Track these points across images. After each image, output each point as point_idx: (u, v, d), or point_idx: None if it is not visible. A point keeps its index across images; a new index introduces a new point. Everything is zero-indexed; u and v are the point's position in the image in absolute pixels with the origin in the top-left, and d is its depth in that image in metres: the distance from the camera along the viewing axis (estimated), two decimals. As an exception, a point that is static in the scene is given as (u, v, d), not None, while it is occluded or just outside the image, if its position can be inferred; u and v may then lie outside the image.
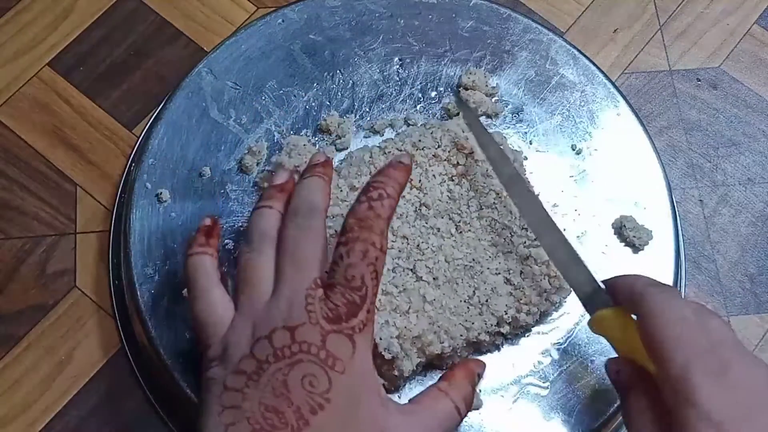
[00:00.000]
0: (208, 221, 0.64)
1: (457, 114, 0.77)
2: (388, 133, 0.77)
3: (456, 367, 0.64)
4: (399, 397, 0.67)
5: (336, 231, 0.68)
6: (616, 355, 0.63)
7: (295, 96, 0.78)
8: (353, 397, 0.54)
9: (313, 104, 0.78)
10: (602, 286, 0.64)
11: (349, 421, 0.53)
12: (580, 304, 0.67)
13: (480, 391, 0.68)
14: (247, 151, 0.75)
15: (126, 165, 0.81)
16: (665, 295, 0.57)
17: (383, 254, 0.58)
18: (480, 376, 0.65)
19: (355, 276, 0.56)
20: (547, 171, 0.76)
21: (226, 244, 0.72)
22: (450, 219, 0.70)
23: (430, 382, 0.68)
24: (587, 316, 0.67)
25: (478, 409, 0.67)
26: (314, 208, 0.61)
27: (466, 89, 0.78)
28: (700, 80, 0.89)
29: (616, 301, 0.63)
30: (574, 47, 0.81)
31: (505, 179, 0.70)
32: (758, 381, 0.53)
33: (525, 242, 0.69)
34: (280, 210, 0.63)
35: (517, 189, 0.69)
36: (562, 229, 0.71)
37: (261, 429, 0.51)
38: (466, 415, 0.61)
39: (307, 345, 0.53)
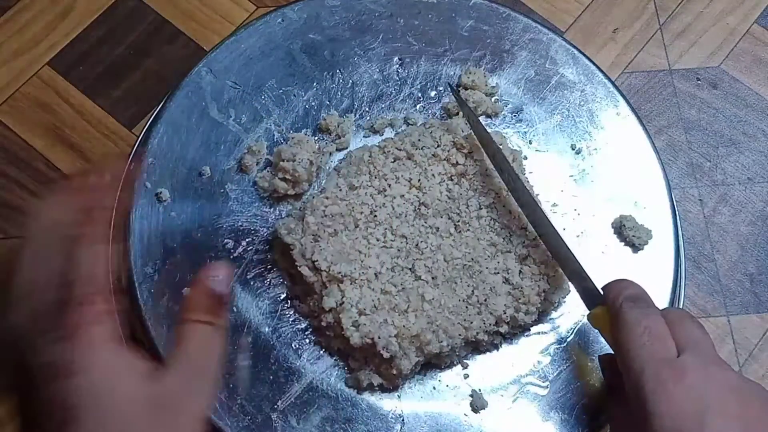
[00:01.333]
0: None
1: (457, 114, 0.77)
2: (388, 133, 0.77)
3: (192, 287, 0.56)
4: (399, 397, 0.67)
5: (335, 230, 0.68)
6: (611, 351, 0.65)
7: (294, 95, 0.78)
8: (100, 392, 0.49)
9: (313, 104, 0.78)
10: (598, 288, 0.66)
11: (109, 419, 0.49)
12: (579, 304, 0.68)
13: (480, 390, 0.68)
14: (246, 151, 0.75)
15: (125, 165, 0.81)
16: (636, 311, 0.60)
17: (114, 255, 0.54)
18: (218, 279, 0.55)
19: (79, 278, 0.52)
20: (546, 170, 0.76)
21: (226, 243, 0.72)
22: (449, 218, 0.70)
23: (429, 381, 0.68)
24: (587, 317, 0.67)
25: (482, 409, 0.67)
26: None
27: (466, 89, 0.78)
28: (699, 80, 0.89)
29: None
30: (574, 47, 0.81)
31: (505, 177, 0.70)
32: (715, 386, 0.56)
33: (524, 242, 0.69)
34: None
35: (519, 191, 0.69)
36: (561, 229, 0.71)
37: None
38: (225, 325, 0.55)
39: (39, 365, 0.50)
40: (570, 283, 0.69)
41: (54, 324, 0.49)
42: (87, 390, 0.48)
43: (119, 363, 0.50)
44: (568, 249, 0.67)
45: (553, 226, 0.67)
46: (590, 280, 0.66)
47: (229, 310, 0.64)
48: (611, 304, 0.63)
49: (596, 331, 0.67)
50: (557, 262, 0.68)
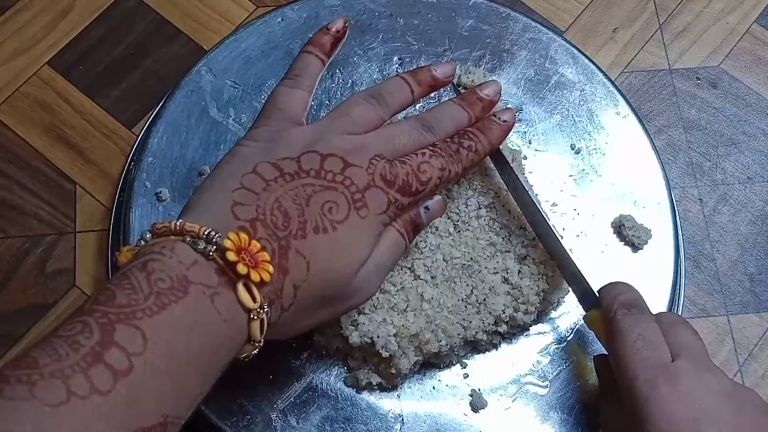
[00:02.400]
0: (340, 24, 0.66)
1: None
2: (388, 132, 0.77)
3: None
4: (398, 397, 0.67)
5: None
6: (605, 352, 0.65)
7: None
8: (354, 242, 0.55)
9: (313, 103, 0.77)
10: (594, 291, 0.66)
11: (340, 255, 0.54)
12: (578, 304, 0.68)
13: (480, 390, 0.68)
14: (246, 150, 0.75)
15: (125, 164, 0.81)
16: (630, 318, 0.61)
17: (448, 183, 0.62)
18: (428, 209, 0.63)
19: (426, 172, 0.59)
20: (546, 170, 0.76)
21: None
22: (448, 218, 0.70)
23: (429, 381, 0.68)
24: (583, 319, 0.67)
25: (481, 409, 0.68)
26: (438, 132, 0.62)
27: (466, 88, 0.77)
28: (699, 79, 0.89)
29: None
30: (574, 46, 0.81)
31: (505, 177, 0.70)
32: (709, 393, 0.56)
33: (523, 242, 0.69)
34: (415, 97, 0.64)
35: (517, 191, 0.70)
36: (561, 228, 0.71)
37: (263, 221, 0.51)
38: (410, 242, 0.61)
39: (350, 181, 0.55)
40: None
41: None
42: (347, 234, 0.55)
43: (369, 242, 0.57)
44: (565, 250, 0.67)
45: (550, 228, 0.67)
46: (586, 282, 0.66)
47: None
48: (605, 310, 0.63)
49: (595, 330, 0.68)
50: (555, 263, 0.69)
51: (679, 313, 0.78)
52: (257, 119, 0.60)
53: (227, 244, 0.48)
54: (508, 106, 0.78)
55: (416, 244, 0.68)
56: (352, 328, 0.65)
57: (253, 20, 0.82)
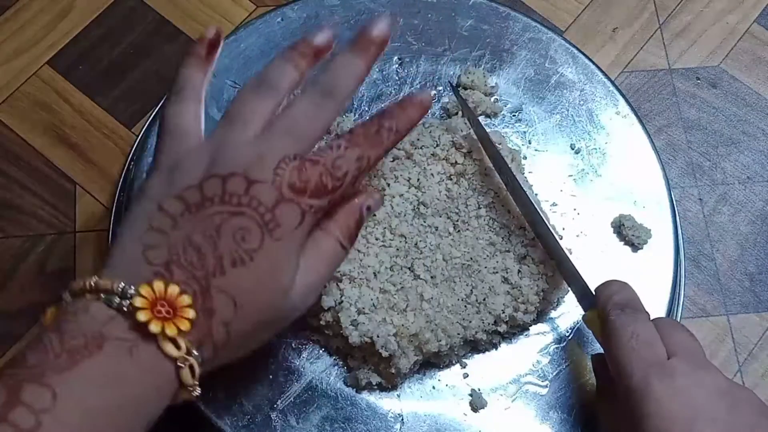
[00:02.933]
0: (212, 32, 0.61)
1: (456, 113, 0.77)
2: (387, 132, 0.77)
3: (341, 206, 0.60)
4: (398, 396, 0.68)
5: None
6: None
7: (294, 95, 0.78)
8: (276, 267, 0.53)
9: (312, 103, 0.78)
10: (592, 291, 0.66)
11: (265, 283, 0.52)
12: (578, 304, 0.68)
13: (480, 390, 0.68)
14: (246, 150, 0.75)
15: (125, 164, 0.81)
16: (624, 317, 0.61)
17: (368, 170, 0.59)
18: (370, 209, 0.61)
19: (341, 166, 0.56)
20: (546, 170, 0.76)
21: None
22: (448, 218, 0.70)
23: (429, 380, 0.68)
24: (582, 318, 0.68)
25: (481, 409, 0.68)
26: (339, 93, 0.58)
27: (465, 89, 0.78)
28: (699, 79, 0.89)
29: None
30: (574, 46, 0.81)
31: (504, 177, 0.70)
32: (705, 391, 0.57)
33: (523, 241, 0.69)
34: (301, 72, 0.60)
35: (516, 191, 0.70)
36: (561, 228, 0.71)
37: (177, 262, 0.50)
38: (349, 249, 0.60)
39: (257, 201, 0.52)
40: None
41: None
42: (267, 259, 0.53)
43: (292, 259, 0.55)
44: (564, 250, 0.67)
45: (549, 228, 0.67)
46: (585, 282, 0.66)
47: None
48: (601, 309, 0.63)
49: (595, 330, 0.68)
50: (554, 263, 0.69)
51: (679, 313, 0.78)
52: (156, 143, 0.58)
53: (137, 302, 0.47)
54: (507, 106, 0.78)
55: (416, 244, 0.68)
56: (352, 327, 0.65)
57: (253, 20, 0.81)
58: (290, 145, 0.55)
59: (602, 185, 0.76)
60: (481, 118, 0.77)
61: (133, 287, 0.48)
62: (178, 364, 0.48)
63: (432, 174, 0.71)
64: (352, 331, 0.64)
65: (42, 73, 0.85)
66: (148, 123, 0.81)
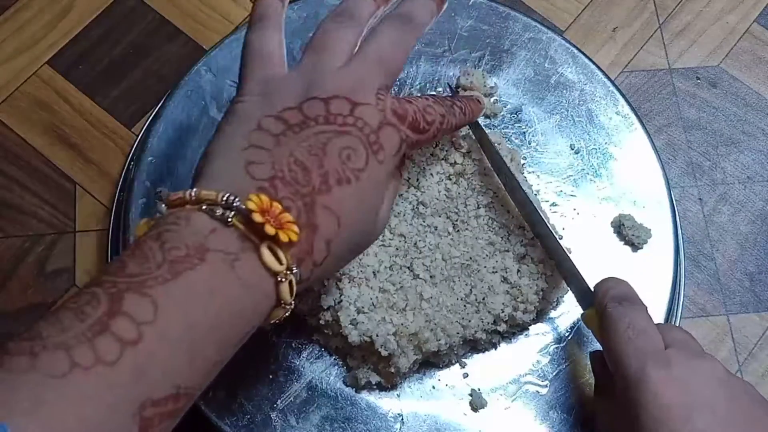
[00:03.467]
0: None
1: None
2: (387, 132, 0.77)
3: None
4: (398, 396, 0.68)
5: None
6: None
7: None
8: (380, 186, 0.54)
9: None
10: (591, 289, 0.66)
11: (366, 204, 0.53)
12: (577, 304, 0.68)
13: (479, 390, 0.68)
14: (246, 150, 0.75)
15: (125, 163, 0.81)
16: (620, 308, 0.61)
17: (445, 133, 0.61)
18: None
19: (431, 113, 0.58)
20: (545, 170, 0.76)
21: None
22: (447, 217, 0.70)
23: (428, 380, 0.68)
24: (581, 317, 0.68)
25: (481, 408, 0.68)
26: (419, 22, 0.60)
27: (465, 90, 0.78)
28: (699, 79, 0.89)
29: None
30: (574, 46, 0.81)
31: (503, 178, 0.70)
32: (702, 379, 0.56)
33: (522, 241, 0.69)
34: (378, 3, 0.60)
35: (515, 191, 0.70)
36: (561, 228, 0.72)
37: (282, 178, 0.49)
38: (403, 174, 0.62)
39: (363, 122, 0.52)
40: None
41: None
42: (370, 179, 0.53)
43: (388, 180, 0.57)
44: (563, 250, 0.67)
45: (548, 227, 0.67)
46: (584, 280, 0.66)
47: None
48: (597, 304, 0.63)
49: (594, 330, 0.68)
50: (554, 263, 0.69)
51: (679, 313, 0.78)
52: (241, 73, 0.57)
53: (250, 205, 0.46)
54: (506, 107, 0.78)
55: (415, 243, 0.68)
56: (352, 327, 0.65)
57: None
58: (383, 74, 0.55)
59: (602, 185, 0.76)
60: (480, 119, 0.77)
61: (238, 199, 0.47)
62: (279, 279, 0.47)
63: (431, 174, 0.71)
64: (352, 330, 0.65)
65: (42, 73, 0.85)
66: (148, 123, 0.81)
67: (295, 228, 0.48)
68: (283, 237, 0.47)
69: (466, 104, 0.64)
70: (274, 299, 0.48)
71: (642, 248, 0.73)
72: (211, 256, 0.45)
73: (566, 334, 0.70)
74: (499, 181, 0.70)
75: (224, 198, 0.47)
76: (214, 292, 0.45)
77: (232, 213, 0.46)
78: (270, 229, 0.46)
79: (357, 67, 0.55)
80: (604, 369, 0.62)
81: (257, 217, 0.46)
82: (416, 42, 0.59)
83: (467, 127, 0.73)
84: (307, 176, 0.50)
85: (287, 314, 0.50)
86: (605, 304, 0.62)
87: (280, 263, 0.47)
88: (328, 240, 0.50)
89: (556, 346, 0.70)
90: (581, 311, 0.68)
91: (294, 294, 0.49)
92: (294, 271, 0.48)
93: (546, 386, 0.69)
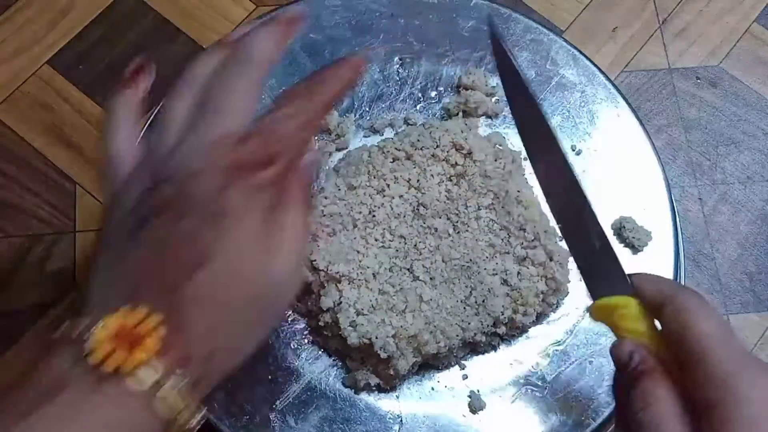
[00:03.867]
0: (137, 62, 0.58)
1: (457, 114, 0.77)
2: (388, 133, 0.77)
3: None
4: (397, 398, 0.68)
5: (333, 229, 0.68)
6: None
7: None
8: (243, 252, 0.48)
9: (312, 103, 0.77)
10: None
11: (235, 275, 0.48)
12: (578, 305, 0.68)
13: (479, 391, 0.68)
14: (246, 150, 0.75)
15: (125, 163, 0.81)
16: (694, 292, 0.54)
17: (309, 129, 0.51)
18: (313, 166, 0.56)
19: (277, 129, 0.49)
20: (546, 171, 0.76)
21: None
22: (448, 219, 0.70)
23: (427, 381, 0.68)
24: (585, 318, 0.67)
25: (480, 410, 0.68)
26: (254, 57, 0.52)
27: (466, 89, 0.78)
28: (699, 78, 0.89)
29: (640, 295, 0.56)
30: (575, 47, 0.81)
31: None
32: None
33: (522, 243, 0.69)
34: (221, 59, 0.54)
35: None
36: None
37: (132, 295, 0.45)
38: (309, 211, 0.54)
39: (198, 195, 0.47)
40: (579, 271, 0.60)
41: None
42: (228, 249, 0.47)
43: (257, 241, 0.49)
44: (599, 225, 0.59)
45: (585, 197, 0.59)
46: (618, 261, 0.58)
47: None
48: (656, 292, 0.55)
49: (594, 333, 0.68)
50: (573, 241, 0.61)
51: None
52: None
53: (94, 340, 0.43)
54: (508, 107, 0.78)
55: (415, 245, 0.68)
56: (351, 329, 0.65)
57: (254, 20, 0.82)
58: (214, 124, 0.49)
59: (603, 187, 0.76)
60: (482, 119, 0.77)
61: (94, 326, 0.44)
62: (153, 393, 0.44)
63: (432, 175, 0.71)
64: (351, 332, 0.65)
65: (42, 73, 0.85)
66: (148, 123, 0.81)
67: (158, 336, 0.44)
68: (139, 355, 0.43)
69: (332, 73, 0.53)
70: (163, 413, 0.45)
71: (642, 250, 0.73)
72: (71, 386, 0.43)
73: (566, 336, 0.70)
74: (500, 183, 0.70)
75: (77, 333, 0.44)
76: (79, 420, 0.43)
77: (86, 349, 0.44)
78: (110, 364, 0.43)
79: (188, 136, 0.50)
80: (635, 357, 0.53)
81: (97, 355, 0.43)
82: (260, 73, 0.52)
83: (469, 128, 0.73)
84: (160, 279, 0.46)
85: (197, 421, 0.46)
86: (676, 290, 0.54)
87: (156, 372, 0.44)
88: (210, 327, 0.47)
89: (556, 348, 0.70)
90: (581, 314, 0.68)
91: (199, 396, 0.46)
92: (178, 373, 0.45)
93: (545, 388, 0.69)
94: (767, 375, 0.49)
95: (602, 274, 0.58)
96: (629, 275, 0.57)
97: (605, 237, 0.58)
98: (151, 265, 0.46)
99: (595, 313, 0.57)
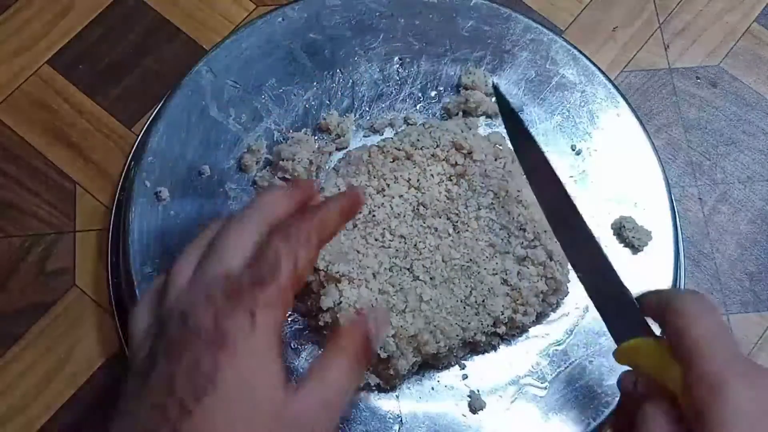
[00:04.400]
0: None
1: (457, 114, 0.77)
2: (388, 133, 0.77)
3: (346, 328, 0.55)
4: (397, 397, 0.68)
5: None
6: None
7: (294, 95, 0.78)
8: (245, 379, 0.47)
9: (313, 103, 0.78)
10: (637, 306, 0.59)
11: (239, 405, 0.46)
12: (578, 305, 0.68)
13: (478, 391, 0.68)
14: (246, 150, 0.75)
15: (125, 163, 0.81)
16: (693, 296, 0.55)
17: (309, 262, 0.53)
18: (379, 329, 0.55)
19: (270, 255, 0.51)
20: (546, 171, 0.76)
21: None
22: (448, 219, 0.70)
23: (427, 381, 0.68)
24: (585, 318, 0.67)
25: (480, 410, 0.68)
26: (260, 211, 0.55)
27: (466, 89, 0.78)
28: (699, 78, 0.89)
29: (644, 313, 0.58)
30: (575, 47, 0.81)
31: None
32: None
33: (522, 243, 0.69)
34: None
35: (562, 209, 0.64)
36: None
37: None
38: (364, 372, 0.55)
39: (196, 328, 0.47)
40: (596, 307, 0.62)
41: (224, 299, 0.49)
42: (232, 375, 0.46)
43: (267, 365, 0.48)
44: (611, 265, 0.61)
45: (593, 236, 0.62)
46: (630, 295, 0.59)
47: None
48: (656, 303, 0.56)
49: (594, 333, 0.68)
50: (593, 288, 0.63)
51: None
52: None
53: None
54: (511, 107, 0.78)
55: (415, 244, 0.68)
56: (352, 329, 0.65)
57: (254, 20, 0.81)
58: (213, 265, 0.51)
59: (603, 187, 0.76)
60: (482, 119, 0.77)
61: None
62: None
63: (432, 175, 0.71)
64: (352, 332, 0.65)
65: (42, 73, 0.85)
66: (148, 122, 0.81)
67: None
68: None
69: (324, 213, 0.55)
70: None
71: (642, 250, 0.73)
72: None
73: (566, 336, 0.70)
74: (500, 183, 0.70)
75: None
76: None
77: None
78: None
79: (189, 280, 0.52)
80: (639, 385, 0.56)
81: None
82: (262, 223, 0.54)
83: (468, 127, 0.73)
84: (164, 413, 0.45)
85: None
86: (670, 295, 0.55)
87: None
88: None
89: (556, 348, 0.70)
90: (581, 314, 0.68)
91: None
92: None
93: (545, 388, 0.69)
94: (755, 375, 0.50)
95: (623, 321, 0.59)
96: (636, 298, 0.59)
97: (628, 292, 0.59)
98: (158, 403, 0.46)
99: (618, 357, 0.59)
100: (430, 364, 0.68)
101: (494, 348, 0.70)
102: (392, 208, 0.70)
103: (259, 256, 0.51)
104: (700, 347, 0.51)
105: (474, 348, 0.69)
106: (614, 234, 0.74)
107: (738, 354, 0.52)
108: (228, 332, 0.47)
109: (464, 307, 0.67)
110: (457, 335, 0.66)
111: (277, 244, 0.51)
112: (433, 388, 0.68)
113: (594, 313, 0.69)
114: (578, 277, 0.63)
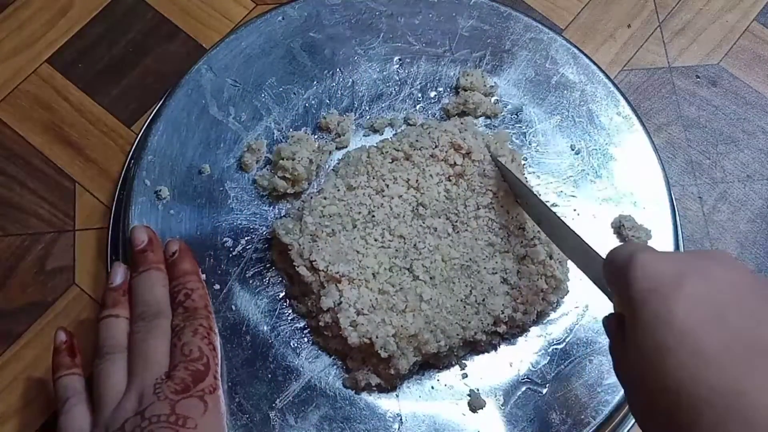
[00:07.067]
0: (63, 337, 0.68)
1: (456, 114, 0.77)
2: (388, 132, 0.77)
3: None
4: (397, 397, 0.68)
5: (333, 230, 0.68)
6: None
7: (294, 94, 0.78)
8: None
9: (313, 102, 0.78)
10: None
11: None
12: (578, 305, 0.68)
13: (478, 390, 0.68)
14: (246, 149, 0.75)
15: (125, 162, 0.81)
16: (631, 244, 0.54)
17: (213, 333, 0.65)
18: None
19: (192, 350, 0.62)
20: (546, 171, 0.76)
21: (225, 242, 0.72)
22: (447, 219, 0.70)
23: (427, 380, 0.68)
24: (585, 317, 0.67)
25: (479, 409, 0.68)
26: (156, 308, 0.66)
27: (465, 90, 0.77)
28: (699, 77, 0.89)
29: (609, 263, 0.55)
30: (575, 46, 0.81)
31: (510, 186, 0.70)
32: (693, 257, 0.51)
33: (522, 242, 0.69)
34: (125, 315, 0.67)
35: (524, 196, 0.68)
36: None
37: None
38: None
39: (156, 417, 0.58)
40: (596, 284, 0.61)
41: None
42: None
43: None
44: (584, 242, 0.62)
45: (565, 223, 0.64)
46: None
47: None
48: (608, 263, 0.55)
49: (594, 331, 0.68)
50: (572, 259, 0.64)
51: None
52: None
53: None
54: (507, 107, 0.78)
55: (415, 244, 0.68)
56: (351, 328, 0.65)
57: (254, 18, 0.81)
58: (150, 374, 0.61)
59: (602, 186, 0.76)
60: (481, 119, 0.77)
61: None
62: None
63: (431, 175, 0.71)
64: (351, 332, 0.65)
65: (41, 71, 0.85)
66: (148, 121, 0.81)
67: None
68: None
69: (185, 284, 0.68)
70: None
71: (642, 249, 0.73)
72: None
73: (566, 335, 0.71)
74: (499, 182, 0.71)
75: None
76: None
77: None
78: None
79: (131, 388, 0.62)
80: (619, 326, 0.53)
81: None
82: (166, 317, 0.66)
83: (465, 127, 0.73)
84: None
85: None
86: (611, 252, 0.54)
87: None
88: None
89: (556, 347, 0.70)
90: (580, 313, 0.68)
91: None
92: None
93: (545, 387, 0.69)
94: (655, 256, 0.50)
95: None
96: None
97: (591, 249, 0.61)
98: None
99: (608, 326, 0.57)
100: (430, 363, 0.69)
101: (494, 347, 0.70)
102: (391, 209, 0.70)
103: (180, 353, 0.62)
104: (636, 258, 0.50)
105: (474, 347, 0.69)
106: (614, 233, 0.74)
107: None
108: (186, 414, 0.58)
109: (464, 307, 0.67)
110: (458, 334, 0.66)
111: (189, 338, 0.63)
112: (433, 388, 0.68)
113: (594, 312, 0.70)
114: (566, 256, 0.66)
